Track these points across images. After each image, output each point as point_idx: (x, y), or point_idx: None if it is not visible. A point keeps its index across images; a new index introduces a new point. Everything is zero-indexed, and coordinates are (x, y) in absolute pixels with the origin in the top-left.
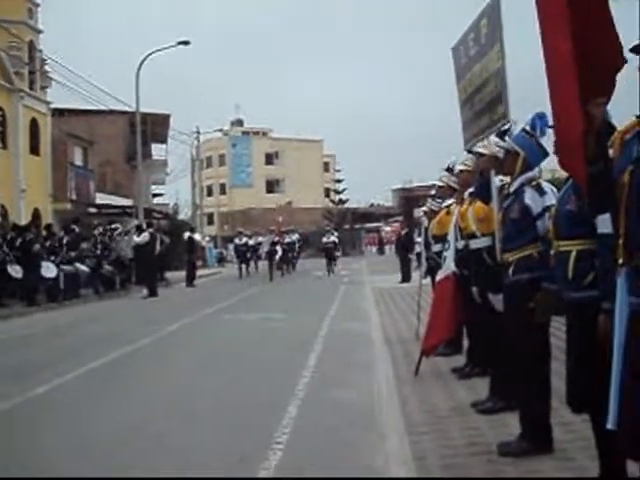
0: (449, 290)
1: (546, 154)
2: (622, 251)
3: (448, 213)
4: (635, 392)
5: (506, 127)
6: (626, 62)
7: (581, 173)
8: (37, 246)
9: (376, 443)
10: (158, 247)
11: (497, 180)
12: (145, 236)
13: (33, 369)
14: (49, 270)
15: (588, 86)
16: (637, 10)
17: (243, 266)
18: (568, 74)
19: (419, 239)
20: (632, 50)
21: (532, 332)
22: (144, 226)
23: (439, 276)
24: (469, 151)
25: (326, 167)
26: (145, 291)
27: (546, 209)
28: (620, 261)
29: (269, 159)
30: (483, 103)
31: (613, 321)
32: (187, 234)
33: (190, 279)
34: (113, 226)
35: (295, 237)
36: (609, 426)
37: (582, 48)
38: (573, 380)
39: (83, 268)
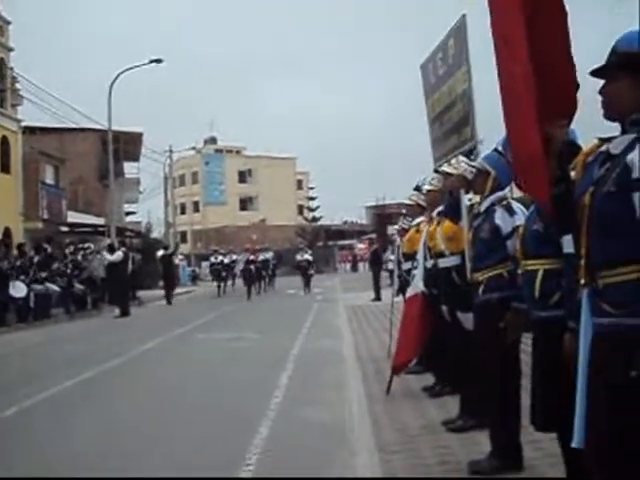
0: (417, 309)
1: None
2: (584, 272)
3: (418, 231)
4: (598, 412)
5: (470, 146)
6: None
7: (541, 195)
8: (5, 263)
9: (347, 462)
10: (130, 266)
11: (466, 199)
12: (119, 255)
13: (2, 390)
14: (18, 290)
15: (548, 107)
16: (637, 11)
17: (219, 284)
18: (523, 96)
19: (392, 257)
20: (592, 74)
21: (502, 351)
22: (116, 245)
23: (407, 294)
24: (436, 170)
25: (299, 185)
26: (117, 310)
27: (516, 229)
28: (582, 282)
29: (242, 177)
30: (451, 123)
31: (578, 340)
32: (161, 252)
33: (167, 297)
34: (85, 245)
35: (270, 255)
36: (575, 445)
37: (540, 68)
38: (538, 399)
39: (54, 287)
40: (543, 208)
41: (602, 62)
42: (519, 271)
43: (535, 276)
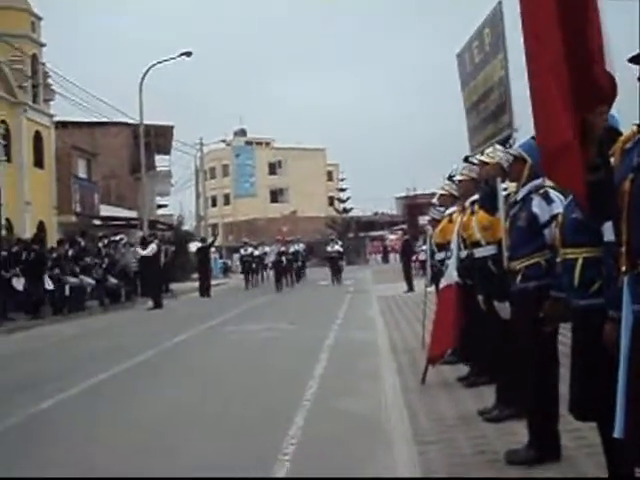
0: (451, 299)
1: None
2: (625, 259)
3: (450, 221)
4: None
5: (507, 133)
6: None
7: (575, 183)
8: (45, 259)
9: (384, 453)
10: (163, 258)
11: (502, 188)
12: (153, 248)
13: (37, 383)
14: (49, 283)
15: (585, 94)
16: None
17: (249, 276)
18: (551, 85)
19: (424, 247)
20: (631, 60)
21: (540, 340)
22: (148, 238)
23: (441, 284)
24: (466, 159)
25: (329, 176)
26: (150, 303)
27: (553, 217)
28: (623, 269)
29: (272, 169)
30: (488, 111)
31: (619, 329)
32: (197, 244)
33: (205, 289)
34: (117, 237)
35: (301, 246)
36: (616, 435)
37: (573, 57)
38: (578, 388)
39: (88, 280)
40: (576, 196)
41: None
42: (557, 260)
43: (575, 264)
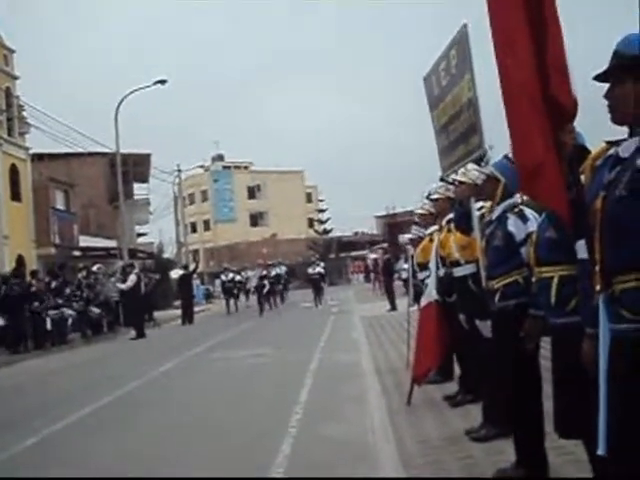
0: (432, 317)
1: None
2: (599, 278)
3: (431, 240)
4: (622, 417)
5: (478, 154)
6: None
7: (554, 201)
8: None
9: (371, 477)
10: (143, 288)
11: (476, 208)
12: (132, 279)
13: (22, 420)
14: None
15: (552, 112)
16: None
17: (231, 302)
18: (525, 103)
19: (405, 265)
20: (595, 78)
21: (521, 358)
22: (128, 268)
23: (422, 303)
24: (442, 179)
25: (309, 198)
26: (133, 332)
27: (529, 235)
28: (597, 288)
29: (251, 192)
30: (457, 133)
31: (597, 346)
32: (179, 272)
33: (188, 316)
34: (95, 268)
35: (282, 269)
36: (600, 452)
37: (541, 75)
38: (559, 406)
39: (70, 312)
40: (557, 214)
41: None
42: (533, 279)
43: (550, 283)
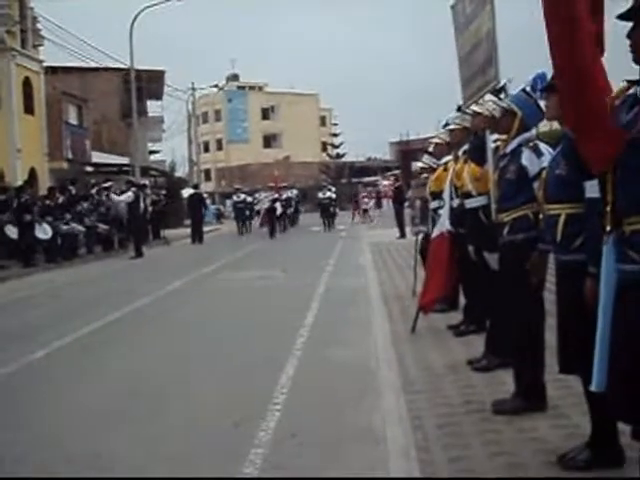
0: (444, 248)
1: (544, 115)
2: (610, 218)
3: (445, 170)
4: (624, 356)
5: (501, 85)
6: None
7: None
8: (28, 217)
9: (373, 403)
10: (142, 205)
11: (491, 140)
12: (128, 195)
13: (33, 332)
14: (44, 231)
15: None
16: None
17: (242, 223)
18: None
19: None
20: (619, 17)
21: (526, 291)
22: (126, 186)
23: (434, 233)
24: (459, 109)
25: (323, 121)
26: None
27: (543, 170)
28: (608, 228)
29: (265, 114)
30: (477, 64)
31: (599, 285)
32: (190, 190)
33: (198, 236)
34: (107, 184)
35: (294, 193)
36: (593, 388)
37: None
38: (561, 341)
39: (80, 228)
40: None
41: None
42: (541, 215)
43: (557, 220)
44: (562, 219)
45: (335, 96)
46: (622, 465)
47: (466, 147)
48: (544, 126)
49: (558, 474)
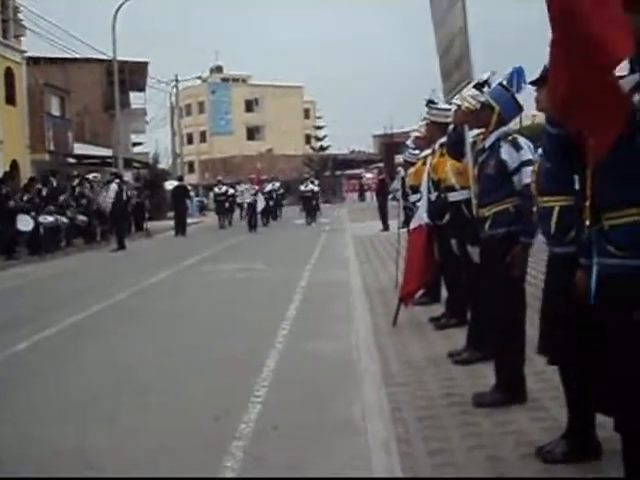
0: (421, 240)
1: (521, 110)
2: (589, 213)
3: (424, 164)
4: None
5: (485, 78)
6: None
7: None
8: (12, 203)
9: (354, 395)
10: (125, 197)
11: (470, 135)
12: (113, 188)
13: (15, 324)
14: (26, 223)
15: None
16: None
17: (223, 216)
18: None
19: (399, 186)
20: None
21: (508, 285)
22: (109, 177)
23: (411, 225)
24: (430, 101)
25: (307, 114)
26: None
27: (522, 164)
28: (587, 223)
29: (249, 106)
30: (454, 59)
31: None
32: (174, 183)
33: (181, 228)
34: (91, 176)
35: (276, 185)
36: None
37: None
38: (547, 331)
39: (63, 220)
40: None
41: None
42: (534, 208)
43: (551, 212)
44: (556, 211)
45: (319, 89)
46: (600, 457)
47: (443, 140)
48: (526, 119)
49: (537, 468)
